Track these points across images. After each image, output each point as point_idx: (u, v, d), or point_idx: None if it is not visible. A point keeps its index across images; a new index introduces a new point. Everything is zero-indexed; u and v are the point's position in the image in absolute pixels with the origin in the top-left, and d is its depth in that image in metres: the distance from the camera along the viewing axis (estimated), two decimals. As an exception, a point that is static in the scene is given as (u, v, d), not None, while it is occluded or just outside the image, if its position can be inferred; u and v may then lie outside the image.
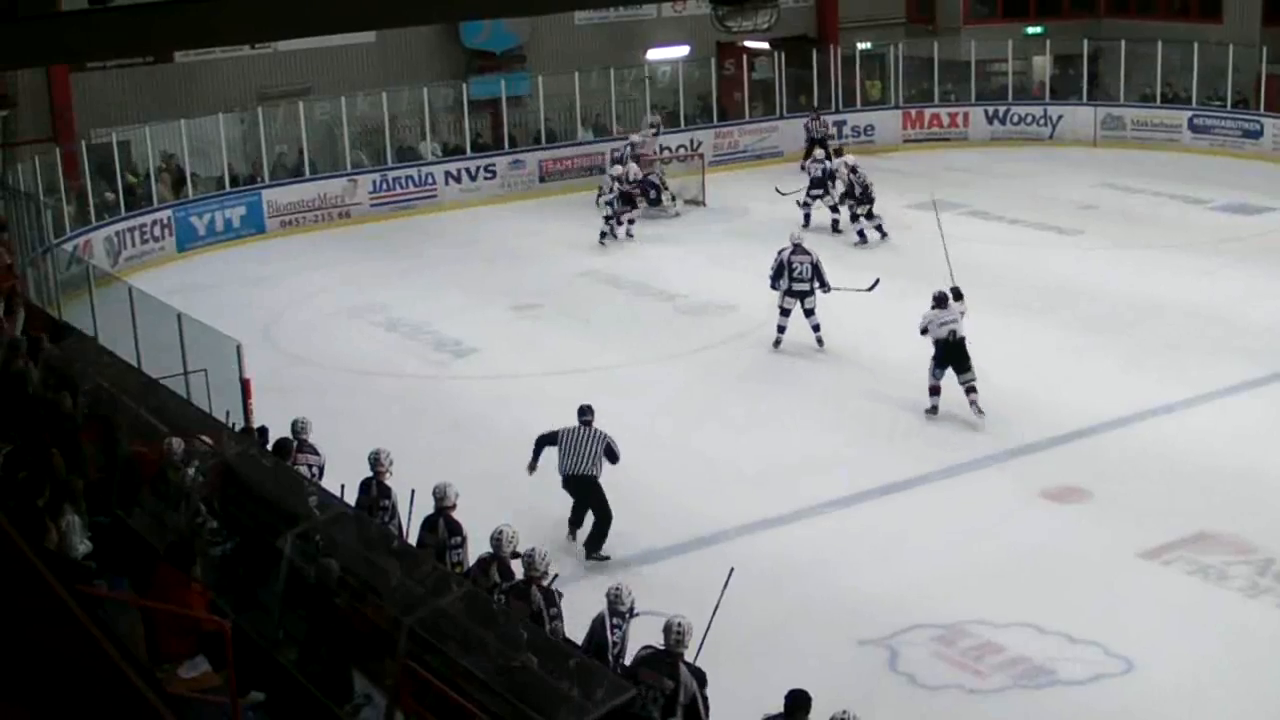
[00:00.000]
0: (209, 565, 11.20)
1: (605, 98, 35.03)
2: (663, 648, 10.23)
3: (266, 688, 9.58)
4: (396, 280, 26.43)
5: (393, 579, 10.26)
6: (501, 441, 18.11)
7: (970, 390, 18.07)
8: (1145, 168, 33.33)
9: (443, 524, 12.82)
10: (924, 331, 18.22)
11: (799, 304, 21.06)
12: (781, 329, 21.31)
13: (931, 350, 18.23)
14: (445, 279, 26.51)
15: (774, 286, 21.16)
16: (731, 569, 11.11)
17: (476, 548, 12.53)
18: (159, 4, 10.13)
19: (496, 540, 12.02)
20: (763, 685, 10.17)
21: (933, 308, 18.24)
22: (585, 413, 15.28)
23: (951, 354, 18.08)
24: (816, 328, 21.12)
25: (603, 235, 28.24)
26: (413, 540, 12.79)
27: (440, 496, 12.96)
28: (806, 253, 21.21)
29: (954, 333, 18.04)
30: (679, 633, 10.22)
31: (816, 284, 21.01)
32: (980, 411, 18.02)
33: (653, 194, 30.23)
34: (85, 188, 27.42)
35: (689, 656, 10.35)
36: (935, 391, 18.32)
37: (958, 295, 18.32)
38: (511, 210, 32.35)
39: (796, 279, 20.96)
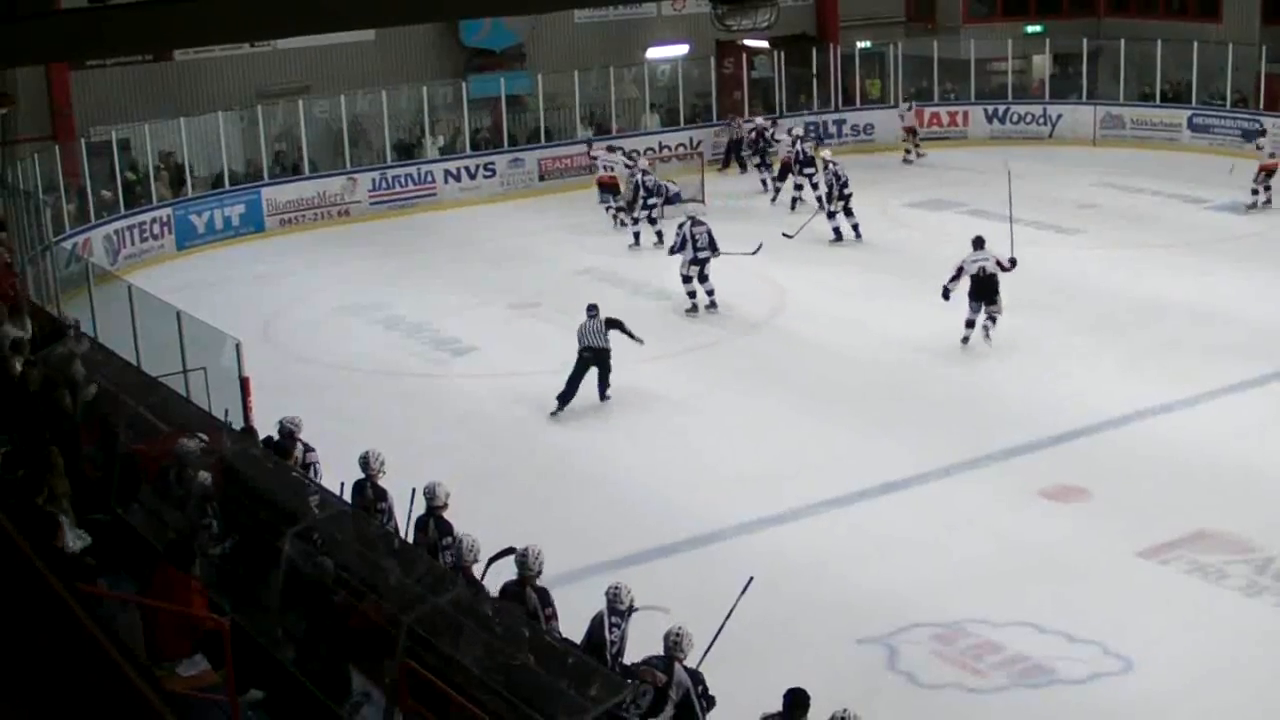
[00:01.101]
0: (208, 564, 11.20)
1: (605, 96, 35.05)
2: (662, 655, 10.30)
3: (266, 686, 9.59)
4: (395, 279, 26.43)
5: (391, 577, 10.26)
6: (500, 439, 18.18)
7: (991, 320, 20.68)
8: (1145, 167, 33.32)
9: (433, 524, 12.82)
10: (959, 271, 20.56)
11: (699, 270, 23.06)
12: (692, 294, 23.40)
13: (968, 285, 20.54)
14: (444, 278, 26.51)
15: (672, 253, 23.55)
16: (751, 577, 11.14)
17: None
18: (158, 2, 10.12)
19: (457, 550, 12.01)
20: (761, 685, 10.17)
21: (973, 249, 20.71)
22: (592, 309, 19.09)
23: (983, 288, 20.44)
24: (711, 292, 23.35)
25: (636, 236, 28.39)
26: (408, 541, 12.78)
27: (430, 496, 12.96)
28: (703, 223, 23.28)
29: (983, 269, 20.41)
30: (676, 637, 10.29)
31: (710, 251, 23.17)
32: (989, 337, 20.64)
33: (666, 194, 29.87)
34: (85, 186, 27.43)
35: (693, 660, 10.40)
36: (969, 325, 20.69)
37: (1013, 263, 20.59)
38: (511, 209, 32.36)
39: (699, 249, 23.08)
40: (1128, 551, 14.51)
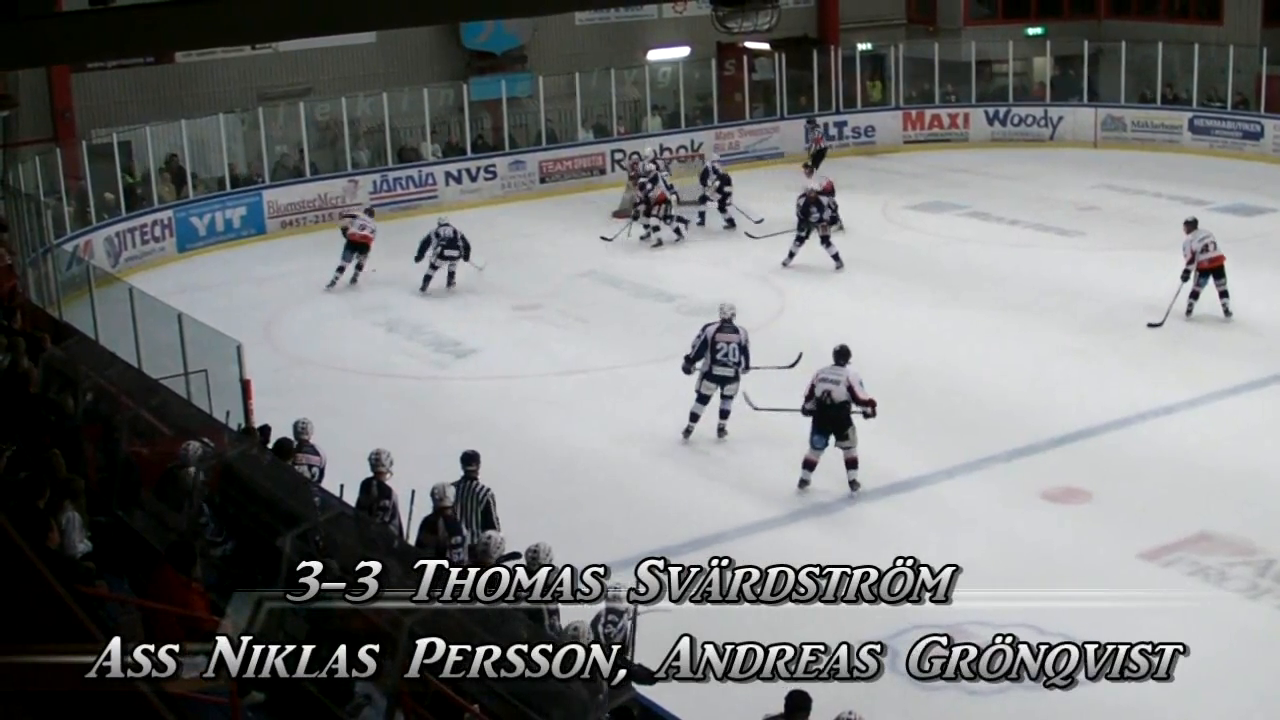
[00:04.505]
0: (209, 566, 11.20)
1: (606, 98, 35.05)
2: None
3: (266, 688, 9.57)
4: (396, 281, 26.40)
5: (393, 578, 10.23)
6: (502, 442, 18.12)
7: (1223, 295, 21.66)
8: (1145, 169, 33.33)
9: (442, 524, 12.86)
10: (1191, 258, 21.56)
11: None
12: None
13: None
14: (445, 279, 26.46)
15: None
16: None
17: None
18: (159, 4, 10.13)
19: (484, 548, 12.02)
20: (763, 685, 10.15)
21: (1188, 232, 21.92)
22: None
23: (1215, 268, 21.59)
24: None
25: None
26: (412, 541, 12.81)
27: (439, 497, 13.00)
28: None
29: (1214, 244, 21.64)
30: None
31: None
32: (1228, 312, 21.66)
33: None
34: (86, 188, 27.44)
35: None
36: (1194, 296, 21.75)
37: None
38: (512, 211, 32.34)
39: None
40: (1129, 553, 14.50)
